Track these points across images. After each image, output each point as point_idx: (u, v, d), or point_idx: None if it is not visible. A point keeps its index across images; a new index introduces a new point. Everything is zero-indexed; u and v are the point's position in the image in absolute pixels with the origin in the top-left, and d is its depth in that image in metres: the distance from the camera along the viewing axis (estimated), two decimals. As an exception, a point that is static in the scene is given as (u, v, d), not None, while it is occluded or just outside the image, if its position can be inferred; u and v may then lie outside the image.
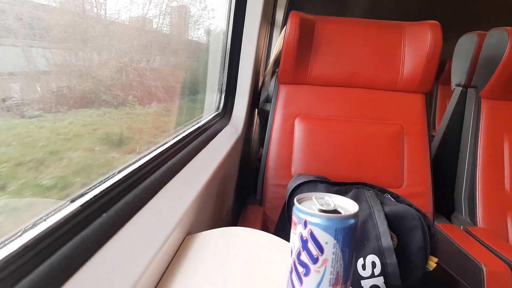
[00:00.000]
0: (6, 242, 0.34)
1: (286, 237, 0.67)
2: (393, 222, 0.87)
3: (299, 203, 0.41)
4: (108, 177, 0.55)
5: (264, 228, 1.20)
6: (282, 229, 1.09)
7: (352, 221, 0.39)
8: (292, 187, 1.01)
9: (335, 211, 0.40)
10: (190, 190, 0.70)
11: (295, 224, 0.40)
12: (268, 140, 1.33)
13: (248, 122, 1.44)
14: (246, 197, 1.35)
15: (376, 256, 0.82)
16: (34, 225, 0.38)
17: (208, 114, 1.29)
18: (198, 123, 1.08)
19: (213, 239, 0.66)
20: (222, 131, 1.17)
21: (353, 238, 0.39)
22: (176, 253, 0.59)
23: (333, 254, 0.38)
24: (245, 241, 0.67)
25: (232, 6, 1.29)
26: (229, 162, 1.09)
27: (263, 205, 1.29)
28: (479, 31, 1.48)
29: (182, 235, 0.63)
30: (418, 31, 1.33)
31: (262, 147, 1.39)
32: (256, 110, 1.67)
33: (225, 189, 1.09)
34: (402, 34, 1.35)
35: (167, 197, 0.63)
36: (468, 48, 1.51)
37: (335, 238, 0.38)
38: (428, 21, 1.33)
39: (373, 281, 0.81)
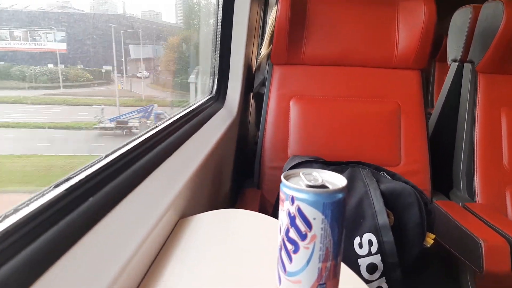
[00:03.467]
0: (-15, 228, 0.34)
1: None
2: (389, 200, 0.87)
3: (287, 180, 0.40)
4: (95, 161, 0.54)
5: (262, 210, 1.20)
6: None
7: (340, 195, 0.38)
8: (287, 169, 1.00)
9: (323, 186, 0.39)
10: (183, 172, 0.70)
11: (283, 201, 0.39)
12: (264, 123, 1.32)
13: (243, 106, 1.43)
14: (244, 180, 1.35)
15: (372, 234, 0.82)
16: (15, 210, 0.37)
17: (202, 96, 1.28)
18: (190, 106, 1.06)
19: (207, 222, 0.65)
20: (216, 115, 1.16)
21: (341, 213, 0.38)
22: (168, 236, 0.59)
23: (321, 230, 0.38)
24: (240, 223, 0.66)
25: None
26: (224, 145, 1.08)
27: (261, 187, 1.29)
28: (474, 4, 1.46)
29: (175, 218, 0.62)
30: (412, 6, 1.30)
31: (259, 130, 1.38)
32: (251, 93, 1.65)
33: (221, 172, 1.08)
34: (396, 10, 1.33)
35: (158, 180, 0.62)
36: (463, 22, 1.48)
37: (323, 213, 0.37)
38: None
39: (370, 259, 0.81)
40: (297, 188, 0.38)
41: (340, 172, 1.00)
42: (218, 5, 1.27)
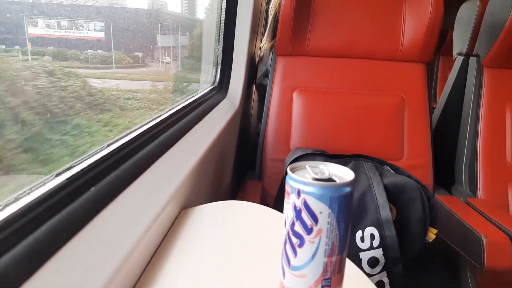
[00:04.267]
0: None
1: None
2: (392, 194, 0.86)
3: (293, 172, 0.39)
4: (97, 150, 0.53)
5: (263, 202, 1.19)
6: (281, 203, 1.08)
7: (347, 189, 0.37)
8: (290, 161, 0.99)
9: (330, 180, 0.38)
10: (185, 163, 0.69)
11: (288, 194, 0.39)
12: (266, 114, 1.31)
13: (246, 97, 1.42)
14: (245, 172, 1.34)
15: (375, 228, 0.82)
16: (16, 199, 0.37)
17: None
18: (193, 96, 1.05)
19: (209, 213, 0.65)
20: (218, 105, 1.15)
21: (348, 208, 0.38)
22: (170, 227, 0.58)
23: (328, 224, 0.37)
24: (242, 215, 0.66)
25: None
26: (226, 137, 1.07)
27: (262, 179, 1.28)
28: None
29: (177, 209, 0.62)
30: None
31: (261, 122, 1.37)
32: (254, 85, 1.64)
33: (223, 164, 1.08)
34: (403, 1, 1.31)
35: (160, 170, 0.61)
36: (469, 16, 1.46)
37: (330, 207, 0.36)
38: None
39: (371, 253, 0.81)
40: (304, 181, 0.37)
41: (343, 165, 0.99)
42: (222, -6, 1.26)
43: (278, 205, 1.10)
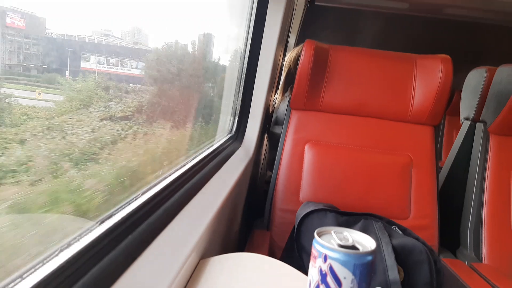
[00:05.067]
0: (45, 261, 0.36)
1: (294, 264, 0.69)
2: (400, 255, 0.88)
3: (319, 237, 0.42)
4: (132, 199, 0.57)
5: (271, 253, 1.21)
6: (289, 256, 1.10)
7: (369, 258, 0.40)
8: (302, 215, 1.02)
9: (353, 247, 0.42)
10: (205, 214, 0.72)
11: (315, 258, 0.42)
12: (278, 165, 1.35)
13: (259, 145, 1.46)
14: (253, 220, 1.36)
15: (383, 289, 0.83)
16: (69, 245, 0.40)
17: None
18: (212, 146, 1.10)
19: (226, 264, 0.67)
20: (234, 154, 1.19)
21: (370, 274, 0.41)
22: (191, 276, 0.61)
23: (350, 289, 0.40)
24: (256, 268, 0.68)
25: (249, 31, 1.34)
26: (239, 185, 1.10)
27: (270, 229, 1.30)
28: (489, 66, 1.51)
29: (197, 259, 0.65)
30: (429, 64, 1.35)
31: (270, 170, 1.40)
32: (266, 133, 1.69)
33: (235, 212, 1.10)
34: (414, 67, 1.38)
35: (184, 220, 0.65)
36: (477, 83, 1.53)
37: (353, 273, 0.40)
38: (440, 55, 1.35)
39: (379, 314, 0.82)
40: (331, 248, 0.40)
41: (353, 223, 1.02)
42: (246, 49, 1.34)
43: (286, 257, 1.11)
